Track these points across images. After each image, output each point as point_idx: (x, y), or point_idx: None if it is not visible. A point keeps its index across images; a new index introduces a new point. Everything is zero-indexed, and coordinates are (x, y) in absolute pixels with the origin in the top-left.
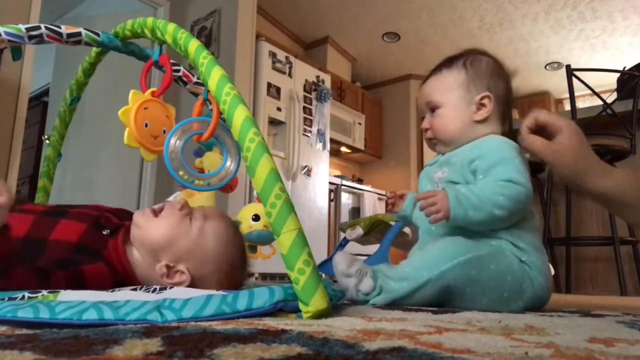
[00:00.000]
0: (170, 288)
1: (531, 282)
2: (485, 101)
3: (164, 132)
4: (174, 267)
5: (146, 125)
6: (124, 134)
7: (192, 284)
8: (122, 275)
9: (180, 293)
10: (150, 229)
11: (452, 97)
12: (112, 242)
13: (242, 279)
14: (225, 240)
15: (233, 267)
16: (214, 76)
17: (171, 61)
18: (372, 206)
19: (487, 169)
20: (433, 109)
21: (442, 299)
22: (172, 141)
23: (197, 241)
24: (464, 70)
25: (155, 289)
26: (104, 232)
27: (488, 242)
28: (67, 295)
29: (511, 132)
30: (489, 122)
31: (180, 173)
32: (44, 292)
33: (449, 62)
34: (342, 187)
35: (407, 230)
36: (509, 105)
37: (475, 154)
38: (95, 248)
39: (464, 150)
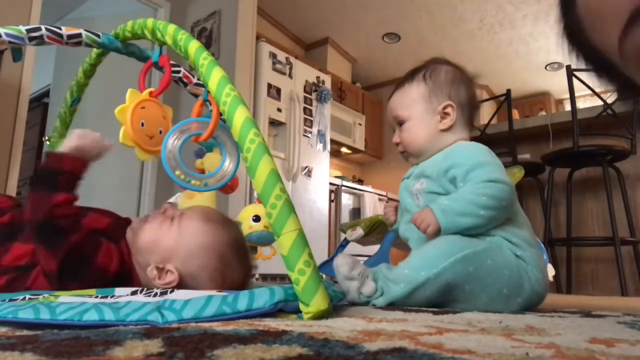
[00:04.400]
0: (170, 292)
1: (528, 277)
2: (448, 110)
3: (160, 132)
4: (163, 268)
5: (142, 124)
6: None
7: (184, 283)
8: (128, 266)
9: (181, 295)
10: (138, 233)
11: (416, 110)
12: (125, 242)
13: (242, 274)
14: (209, 234)
15: (225, 261)
16: (214, 77)
17: (171, 62)
18: (373, 207)
19: (465, 174)
20: (400, 122)
21: (442, 298)
22: (170, 141)
23: (178, 239)
24: (423, 83)
25: (155, 293)
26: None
27: (483, 238)
28: (67, 297)
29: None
30: (455, 129)
31: (177, 173)
32: (45, 294)
33: (410, 76)
34: (343, 187)
35: None
36: (474, 110)
37: (449, 163)
38: (114, 237)
39: (436, 160)
